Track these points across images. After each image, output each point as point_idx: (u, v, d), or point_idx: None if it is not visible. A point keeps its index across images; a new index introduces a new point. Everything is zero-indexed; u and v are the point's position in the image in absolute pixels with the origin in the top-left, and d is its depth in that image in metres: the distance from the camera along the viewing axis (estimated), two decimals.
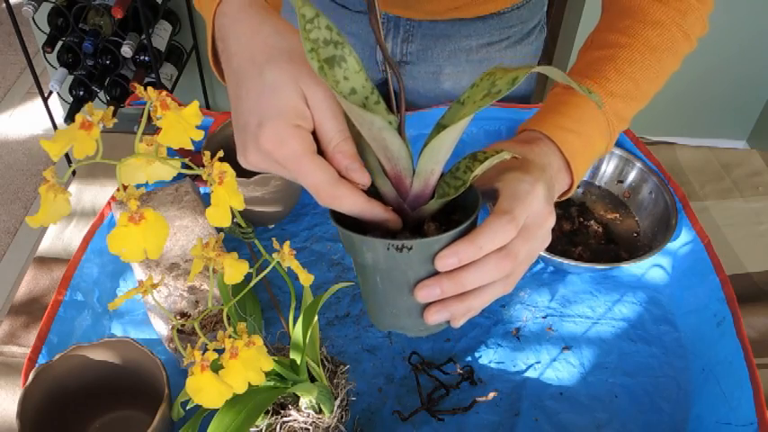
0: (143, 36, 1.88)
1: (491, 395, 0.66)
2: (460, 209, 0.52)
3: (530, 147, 0.58)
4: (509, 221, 0.47)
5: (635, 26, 0.64)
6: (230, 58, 0.49)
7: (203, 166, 0.41)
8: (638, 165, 0.84)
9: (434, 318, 0.48)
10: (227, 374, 0.43)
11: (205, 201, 0.78)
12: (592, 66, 0.64)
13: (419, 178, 0.48)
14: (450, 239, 0.46)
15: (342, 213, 0.48)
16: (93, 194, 0.85)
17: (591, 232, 0.81)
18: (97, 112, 0.36)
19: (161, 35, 1.98)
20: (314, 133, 0.47)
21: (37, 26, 1.99)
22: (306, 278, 0.49)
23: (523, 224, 0.48)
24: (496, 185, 0.51)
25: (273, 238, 0.51)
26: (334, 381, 0.56)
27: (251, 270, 0.47)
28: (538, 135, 0.59)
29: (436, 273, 0.47)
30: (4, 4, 2.50)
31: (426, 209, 0.49)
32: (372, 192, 0.49)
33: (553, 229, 0.53)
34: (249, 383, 0.44)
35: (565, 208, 0.83)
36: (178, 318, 0.66)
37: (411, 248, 0.46)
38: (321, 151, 0.47)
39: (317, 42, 0.44)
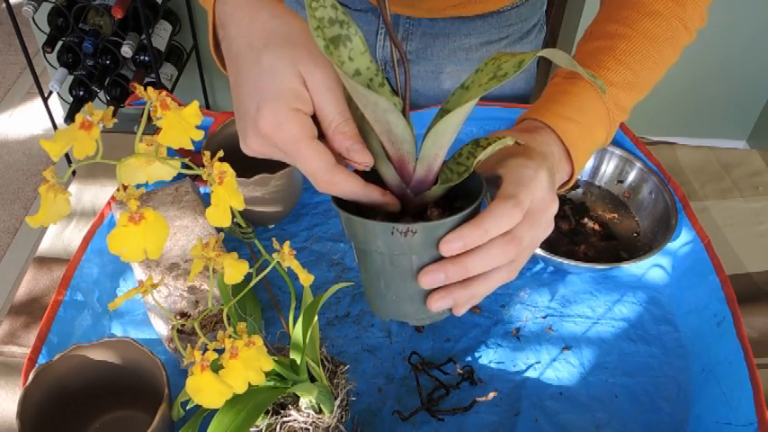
0: (143, 36, 1.88)
1: (491, 395, 0.66)
2: (463, 195, 0.51)
3: (531, 135, 0.57)
4: (514, 206, 0.47)
5: (633, 16, 0.64)
6: (230, 44, 0.49)
7: (203, 166, 0.41)
8: (638, 165, 0.84)
9: (438, 304, 0.48)
10: (227, 374, 0.43)
11: (205, 201, 0.78)
12: (591, 56, 0.64)
13: (423, 163, 0.47)
14: (454, 224, 0.46)
15: (343, 198, 0.48)
16: (93, 194, 0.85)
17: (589, 230, 0.81)
18: (97, 112, 0.36)
19: (161, 35, 1.98)
20: (314, 117, 0.47)
21: (37, 26, 1.99)
22: (306, 278, 0.49)
23: (528, 209, 0.48)
24: (499, 172, 0.51)
25: (273, 238, 0.51)
26: (334, 381, 0.56)
27: (251, 270, 0.47)
28: (538, 124, 0.59)
29: (440, 259, 0.47)
30: (3, 5, 2.50)
31: (429, 194, 0.49)
32: (374, 177, 0.49)
33: (553, 230, 0.53)
34: (249, 383, 0.44)
35: (559, 207, 0.84)
36: (178, 318, 0.66)
37: (416, 232, 0.45)
38: (322, 134, 0.47)
39: (323, 21, 0.44)
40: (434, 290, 0.48)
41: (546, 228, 0.51)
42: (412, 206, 0.50)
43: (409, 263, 0.48)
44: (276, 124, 0.45)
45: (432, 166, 0.48)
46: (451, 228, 0.46)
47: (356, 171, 0.49)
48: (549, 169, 0.52)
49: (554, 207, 0.51)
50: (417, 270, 0.48)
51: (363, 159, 0.47)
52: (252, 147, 0.48)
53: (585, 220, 0.82)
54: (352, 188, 0.47)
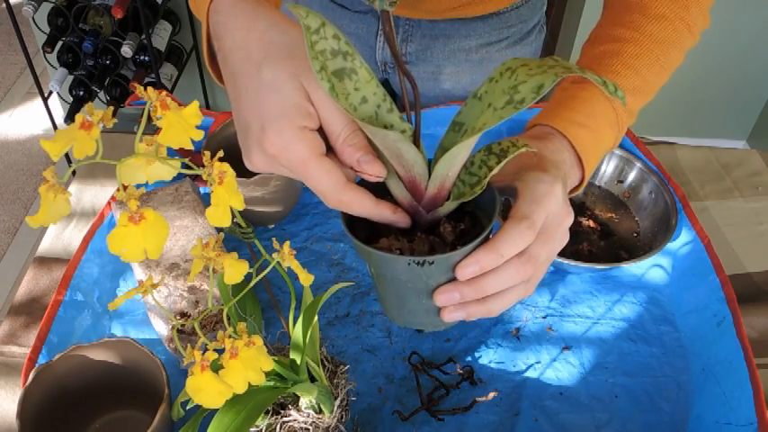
0: (143, 36, 1.88)
1: (491, 395, 0.66)
2: (473, 202, 0.51)
3: (543, 143, 0.57)
4: (528, 227, 0.47)
5: (639, 20, 0.64)
6: (226, 56, 0.48)
7: (203, 166, 0.41)
8: (638, 165, 0.84)
9: (451, 317, 0.49)
10: (227, 374, 0.43)
11: (205, 201, 0.78)
12: (598, 60, 0.64)
13: (434, 182, 0.47)
14: (469, 250, 0.46)
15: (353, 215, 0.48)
16: (93, 194, 0.84)
17: (586, 228, 0.81)
18: (97, 112, 0.36)
19: (161, 35, 1.98)
20: (320, 130, 0.46)
21: (37, 26, 1.99)
22: (306, 278, 0.49)
23: (542, 226, 0.48)
24: (515, 184, 0.51)
25: (273, 238, 0.51)
26: (334, 381, 0.56)
27: (251, 270, 0.47)
28: (549, 130, 0.59)
29: (455, 278, 0.47)
30: (3, 5, 2.50)
31: (442, 210, 0.49)
32: (383, 188, 0.49)
33: None
34: (249, 383, 0.44)
35: None
36: (178, 318, 0.66)
37: (432, 263, 0.46)
38: (330, 147, 0.46)
39: (325, 54, 0.43)
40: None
41: (561, 240, 0.51)
42: (424, 222, 0.50)
43: (425, 285, 0.48)
44: (282, 145, 0.44)
45: (444, 183, 0.47)
46: (467, 253, 0.46)
47: (361, 182, 0.48)
48: (562, 179, 0.52)
49: (569, 219, 0.51)
50: (432, 290, 0.48)
51: (375, 170, 0.45)
52: (257, 165, 0.47)
53: (581, 218, 0.82)
54: (363, 206, 0.46)
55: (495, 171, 0.46)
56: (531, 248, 0.48)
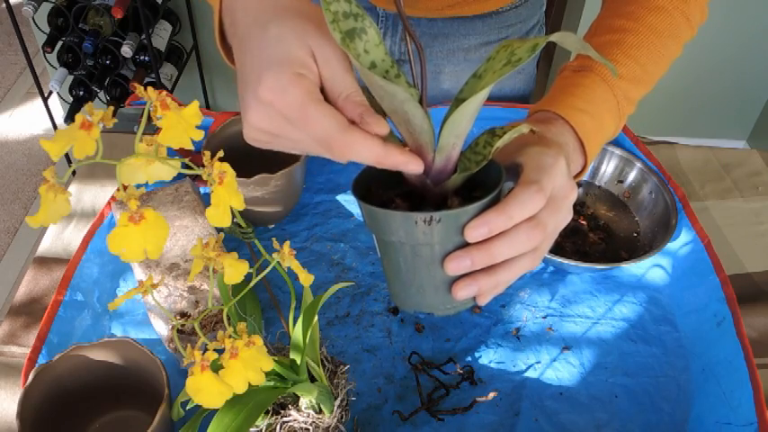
0: (143, 36, 1.88)
1: (491, 395, 0.66)
2: (481, 186, 0.51)
3: (545, 126, 0.58)
4: (537, 191, 0.47)
5: (639, 11, 0.65)
6: (237, 28, 0.48)
7: (203, 166, 0.41)
8: (638, 165, 0.84)
9: (463, 292, 0.48)
10: (227, 374, 0.43)
11: (205, 201, 0.78)
12: (598, 50, 0.64)
13: (441, 153, 0.47)
14: (477, 210, 0.46)
15: (364, 189, 0.47)
16: (93, 194, 0.85)
17: (585, 227, 0.81)
18: (97, 112, 0.36)
19: (161, 35, 1.98)
20: (321, 89, 0.45)
21: (37, 26, 1.99)
22: (306, 278, 0.49)
23: (550, 196, 0.48)
24: (519, 160, 0.51)
25: (273, 238, 0.51)
26: (334, 381, 0.56)
27: (251, 270, 0.47)
28: (552, 115, 0.60)
29: (463, 246, 0.47)
30: (3, 5, 2.50)
31: (449, 184, 0.49)
32: (388, 172, 0.48)
33: None
34: (249, 383, 0.44)
35: None
36: (178, 318, 0.66)
37: (439, 221, 0.45)
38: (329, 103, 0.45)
39: (338, 15, 0.44)
40: (459, 278, 0.48)
41: (567, 215, 0.51)
42: (432, 196, 0.50)
43: (433, 252, 0.47)
44: (279, 89, 0.42)
45: (450, 155, 0.48)
46: (474, 215, 0.46)
47: (367, 169, 0.48)
48: (566, 158, 0.52)
49: (573, 194, 0.51)
50: (441, 258, 0.47)
51: (378, 126, 0.43)
52: (253, 121, 0.44)
53: (581, 218, 0.82)
54: (372, 148, 0.43)
55: (498, 144, 0.47)
56: (541, 214, 0.47)
